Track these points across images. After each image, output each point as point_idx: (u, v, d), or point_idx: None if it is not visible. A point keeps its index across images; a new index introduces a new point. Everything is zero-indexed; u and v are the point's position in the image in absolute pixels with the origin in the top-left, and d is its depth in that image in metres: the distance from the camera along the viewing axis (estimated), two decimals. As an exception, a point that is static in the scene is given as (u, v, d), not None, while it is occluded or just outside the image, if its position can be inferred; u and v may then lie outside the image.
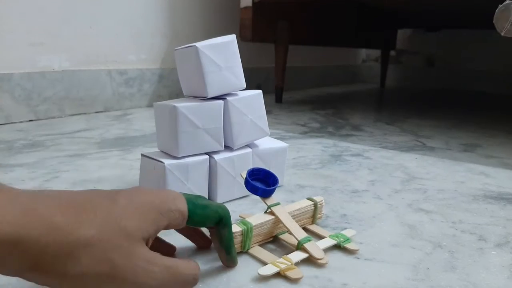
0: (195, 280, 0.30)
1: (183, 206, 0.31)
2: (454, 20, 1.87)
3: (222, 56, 0.49)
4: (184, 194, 0.33)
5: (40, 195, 0.26)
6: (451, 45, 2.24)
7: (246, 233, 0.38)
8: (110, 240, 0.26)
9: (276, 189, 0.56)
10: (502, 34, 0.37)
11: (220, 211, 0.34)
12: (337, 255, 0.39)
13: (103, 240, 0.26)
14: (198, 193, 0.49)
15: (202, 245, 0.40)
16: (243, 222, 0.39)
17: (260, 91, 0.54)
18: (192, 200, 0.33)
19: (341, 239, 0.41)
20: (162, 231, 0.30)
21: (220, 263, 0.37)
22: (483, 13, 1.56)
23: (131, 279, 0.27)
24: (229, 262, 0.36)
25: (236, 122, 0.51)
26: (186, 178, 0.47)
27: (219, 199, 0.51)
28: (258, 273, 0.35)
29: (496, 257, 0.40)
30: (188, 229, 0.38)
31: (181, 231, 0.38)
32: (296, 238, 0.39)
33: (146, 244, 0.29)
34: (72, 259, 0.25)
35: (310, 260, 0.38)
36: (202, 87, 0.48)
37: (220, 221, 0.34)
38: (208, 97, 0.49)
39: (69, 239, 0.25)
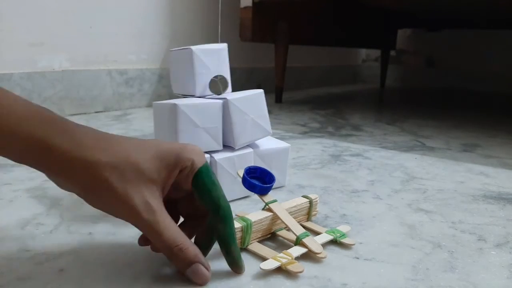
0: (170, 255, 0.32)
1: (198, 160, 0.33)
2: (454, 20, 1.87)
3: (214, 60, 0.53)
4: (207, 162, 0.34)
5: (84, 126, 0.33)
6: (451, 45, 2.24)
7: (246, 229, 0.38)
8: (121, 171, 0.31)
9: (277, 189, 0.56)
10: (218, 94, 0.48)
11: (222, 201, 0.33)
12: (337, 255, 0.40)
13: (115, 169, 0.31)
14: None
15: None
16: (242, 218, 0.39)
17: (261, 91, 0.54)
18: (208, 168, 0.34)
19: (337, 234, 0.42)
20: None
21: (220, 262, 0.37)
22: (483, 13, 1.56)
23: (123, 209, 0.31)
24: (233, 266, 0.35)
25: (237, 121, 0.51)
26: None
27: None
28: (260, 268, 0.35)
29: (496, 257, 0.40)
30: (188, 207, 0.37)
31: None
32: (295, 234, 0.39)
33: (163, 189, 0.33)
34: (88, 174, 0.31)
35: (309, 256, 0.38)
36: (192, 86, 0.52)
37: (217, 210, 0.33)
38: (196, 95, 0.52)
39: (91, 159, 0.30)
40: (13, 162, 0.64)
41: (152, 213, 0.31)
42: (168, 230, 0.31)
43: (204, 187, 0.33)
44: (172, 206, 0.36)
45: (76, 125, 0.32)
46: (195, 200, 0.36)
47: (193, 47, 0.51)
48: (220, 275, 0.35)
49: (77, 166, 0.30)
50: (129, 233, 0.41)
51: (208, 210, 0.34)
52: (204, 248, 0.35)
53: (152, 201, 0.31)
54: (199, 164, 0.33)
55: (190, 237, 0.35)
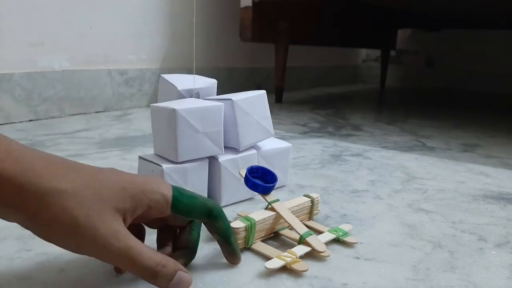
0: (154, 275, 0.29)
1: (167, 191, 0.32)
2: (454, 20, 1.87)
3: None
4: (172, 184, 0.33)
5: (32, 148, 0.29)
6: (451, 45, 2.24)
7: (250, 229, 0.39)
8: (81, 199, 0.28)
9: (278, 189, 0.56)
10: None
11: (209, 203, 0.34)
12: (338, 255, 0.40)
13: (75, 197, 0.28)
14: None
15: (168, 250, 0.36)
16: (246, 218, 0.39)
17: (264, 91, 0.54)
18: (178, 189, 0.33)
19: (340, 233, 0.42)
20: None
21: (220, 262, 0.37)
22: (483, 13, 1.56)
23: (89, 242, 0.28)
24: (231, 256, 0.36)
25: (242, 122, 0.50)
26: (185, 182, 0.46)
27: (224, 201, 0.50)
28: (265, 267, 0.35)
29: (496, 257, 0.40)
30: (161, 223, 0.36)
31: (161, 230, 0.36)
32: (298, 233, 0.40)
33: (124, 220, 0.29)
34: (43, 204, 0.27)
35: (311, 255, 0.38)
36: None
37: (210, 213, 0.33)
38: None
39: (45, 186, 0.27)
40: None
41: (123, 240, 0.28)
42: (144, 253, 0.29)
43: (187, 207, 0.32)
44: (136, 228, 0.35)
45: (27, 149, 0.28)
46: (169, 221, 0.35)
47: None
48: (220, 275, 0.35)
49: (27, 194, 0.27)
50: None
51: (199, 219, 0.34)
52: (192, 252, 0.35)
53: (118, 226, 0.29)
54: (169, 193, 0.32)
55: (175, 245, 0.36)
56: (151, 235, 0.37)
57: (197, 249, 0.36)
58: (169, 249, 0.35)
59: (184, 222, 0.35)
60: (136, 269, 0.29)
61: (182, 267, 0.31)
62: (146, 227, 0.37)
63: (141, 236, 0.36)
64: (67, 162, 0.30)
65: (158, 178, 0.33)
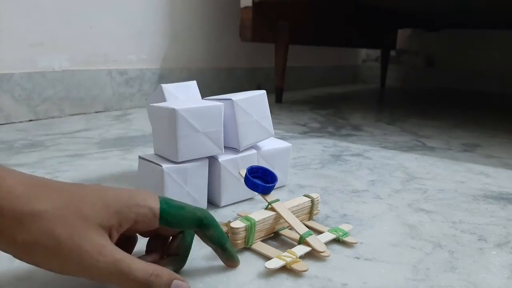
0: (148, 287, 0.28)
1: (154, 204, 0.31)
2: (454, 20, 1.87)
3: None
4: (159, 196, 0.33)
5: (14, 171, 0.29)
6: (451, 45, 2.24)
7: (250, 229, 0.39)
8: (63, 219, 0.27)
9: (278, 189, 0.56)
10: None
11: (199, 213, 0.33)
12: (338, 255, 0.39)
13: (56, 217, 0.27)
14: (197, 196, 0.48)
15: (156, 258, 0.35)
16: (246, 218, 0.39)
17: (264, 91, 0.54)
18: (166, 200, 0.32)
19: (340, 233, 0.42)
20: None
21: (220, 262, 0.37)
22: (483, 13, 1.56)
23: (74, 260, 0.27)
24: (229, 260, 0.36)
25: (242, 123, 0.50)
26: (185, 182, 0.46)
27: (224, 201, 0.50)
28: (265, 267, 0.35)
29: (496, 257, 0.40)
30: (152, 233, 0.35)
31: (152, 240, 0.35)
32: (298, 233, 0.40)
33: (110, 236, 0.29)
34: (22, 227, 0.26)
35: (311, 255, 0.38)
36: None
37: (201, 223, 0.33)
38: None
39: (24, 208, 0.27)
40: (14, 162, 0.64)
41: (110, 254, 0.28)
42: (134, 264, 0.28)
43: (176, 218, 0.32)
44: (126, 239, 0.34)
45: (6, 170, 0.28)
46: (159, 231, 0.35)
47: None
48: (220, 275, 0.35)
49: (7, 218, 0.26)
50: (129, 233, 0.41)
51: (190, 229, 0.34)
52: (182, 260, 0.35)
53: (105, 242, 0.28)
54: (156, 205, 0.31)
55: (165, 252, 0.35)
56: (142, 241, 0.37)
57: (187, 257, 0.35)
58: (156, 255, 0.34)
59: (175, 232, 0.35)
60: (128, 283, 0.28)
61: (177, 275, 0.30)
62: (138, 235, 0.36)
63: (131, 244, 0.35)
64: (49, 183, 0.29)
65: (145, 191, 0.32)
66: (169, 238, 0.36)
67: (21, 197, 0.27)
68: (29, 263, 0.28)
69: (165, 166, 0.45)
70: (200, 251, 0.39)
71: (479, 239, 0.44)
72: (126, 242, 0.34)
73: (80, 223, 0.28)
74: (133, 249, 0.36)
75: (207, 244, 0.35)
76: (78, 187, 0.30)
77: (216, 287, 0.34)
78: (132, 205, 0.30)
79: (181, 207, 0.33)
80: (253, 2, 1.26)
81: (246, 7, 1.27)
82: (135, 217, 0.30)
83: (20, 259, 0.28)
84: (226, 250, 0.35)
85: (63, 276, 0.34)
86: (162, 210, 0.31)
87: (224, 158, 0.49)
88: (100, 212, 0.29)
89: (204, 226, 0.33)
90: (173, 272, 0.31)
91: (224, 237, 0.35)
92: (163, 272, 0.30)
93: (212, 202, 0.51)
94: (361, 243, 0.42)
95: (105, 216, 0.29)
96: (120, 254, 0.28)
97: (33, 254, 0.27)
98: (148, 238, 0.36)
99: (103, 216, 0.29)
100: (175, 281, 0.30)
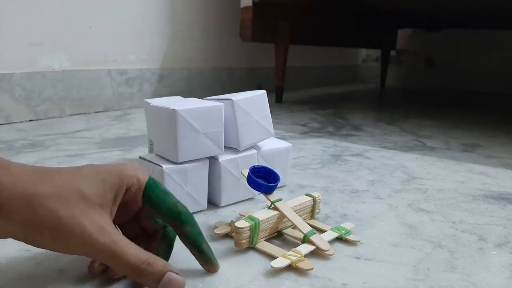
0: (139, 273, 0.29)
1: (143, 177, 0.33)
2: (454, 20, 1.87)
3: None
4: (151, 176, 0.34)
5: (15, 162, 0.30)
6: (451, 45, 2.24)
7: (254, 228, 0.39)
8: (66, 199, 0.29)
9: (278, 189, 0.56)
10: None
11: (180, 206, 0.33)
12: (338, 255, 0.40)
13: (59, 198, 0.29)
14: (197, 197, 0.48)
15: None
16: (250, 217, 0.39)
17: (264, 91, 0.54)
18: (155, 180, 0.34)
19: (342, 231, 0.42)
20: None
21: (220, 262, 0.37)
22: (483, 13, 1.56)
23: (75, 239, 0.29)
24: (206, 264, 0.35)
25: (242, 123, 0.50)
26: (185, 182, 0.46)
27: (224, 201, 0.50)
28: (271, 266, 0.35)
29: (496, 257, 0.40)
30: (136, 227, 0.36)
31: (129, 228, 0.36)
32: (302, 232, 0.40)
33: (110, 212, 0.31)
34: (30, 209, 0.28)
35: (313, 254, 0.38)
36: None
37: (178, 216, 0.33)
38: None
39: (32, 191, 0.28)
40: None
41: (108, 235, 0.29)
42: (130, 249, 0.29)
43: (158, 198, 0.33)
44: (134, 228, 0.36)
45: (8, 161, 0.30)
46: (141, 221, 0.35)
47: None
48: (220, 275, 0.35)
49: (17, 203, 0.28)
50: (129, 233, 0.41)
51: (166, 220, 0.34)
52: (200, 251, 0.35)
53: (104, 223, 0.29)
54: (144, 178, 0.33)
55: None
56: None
57: (167, 259, 0.35)
58: None
59: (157, 224, 0.35)
60: (121, 266, 0.29)
61: (173, 268, 0.30)
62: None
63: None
64: (48, 169, 0.31)
65: (137, 165, 0.34)
66: (151, 239, 0.36)
67: (27, 182, 0.29)
68: (36, 244, 0.29)
69: (165, 166, 0.45)
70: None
71: (479, 239, 0.44)
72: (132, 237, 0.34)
73: (81, 203, 0.29)
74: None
75: (184, 244, 0.34)
76: (75, 169, 0.32)
77: (216, 287, 0.34)
78: (123, 175, 0.32)
79: (166, 192, 0.34)
80: (253, 2, 1.26)
81: (246, 7, 1.27)
82: (126, 186, 0.32)
83: (27, 242, 0.29)
84: (203, 252, 0.34)
85: (63, 277, 0.34)
86: (148, 185, 0.33)
87: (224, 158, 0.49)
88: (97, 189, 0.30)
89: (180, 221, 0.33)
90: (169, 264, 0.31)
91: (200, 238, 0.34)
92: (157, 261, 0.30)
93: (212, 202, 0.51)
94: (361, 243, 0.42)
95: (102, 192, 0.30)
96: (117, 236, 0.29)
97: (41, 235, 0.28)
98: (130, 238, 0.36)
99: (100, 193, 0.30)
100: (168, 273, 0.30)
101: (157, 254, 0.33)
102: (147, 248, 0.34)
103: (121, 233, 0.30)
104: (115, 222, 0.33)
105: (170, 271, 0.30)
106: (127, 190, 0.32)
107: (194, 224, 0.34)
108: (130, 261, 0.29)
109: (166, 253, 0.35)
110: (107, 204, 0.30)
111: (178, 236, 0.34)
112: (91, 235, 0.28)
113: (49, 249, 0.30)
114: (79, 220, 0.28)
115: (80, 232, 0.28)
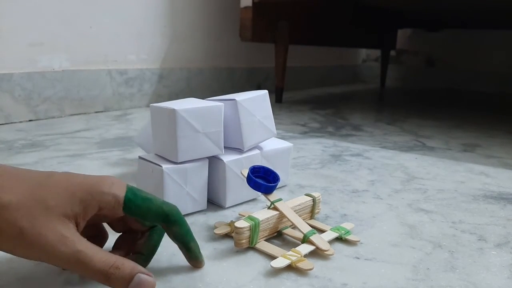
0: (107, 278, 0.29)
1: (119, 192, 0.31)
2: (454, 20, 1.87)
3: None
4: (128, 184, 0.33)
5: None
6: (451, 45, 2.24)
7: (254, 228, 0.39)
8: (27, 210, 0.28)
9: (278, 189, 0.56)
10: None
11: (166, 207, 0.33)
12: (338, 255, 0.39)
13: (21, 208, 0.28)
14: (197, 197, 0.48)
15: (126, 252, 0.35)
16: (250, 217, 0.39)
17: (266, 91, 0.53)
18: (133, 190, 0.32)
19: (342, 231, 0.42)
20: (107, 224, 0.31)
21: (220, 262, 0.37)
22: (483, 13, 1.56)
23: (37, 249, 0.28)
24: (193, 260, 0.35)
25: (245, 123, 0.50)
26: (185, 182, 0.46)
27: (229, 202, 0.50)
28: (271, 266, 0.35)
29: (496, 257, 0.40)
30: (124, 226, 0.36)
31: (118, 226, 0.36)
32: (302, 232, 0.40)
33: (76, 224, 0.30)
34: None
35: (313, 254, 0.38)
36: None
37: (166, 218, 0.33)
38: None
39: None
40: (14, 162, 0.64)
41: (70, 244, 0.28)
42: (95, 255, 0.29)
43: (140, 209, 0.32)
44: (96, 229, 0.36)
45: None
46: (128, 223, 0.35)
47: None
48: (220, 275, 0.35)
49: None
50: (129, 233, 0.41)
51: (155, 223, 0.34)
52: (145, 259, 0.35)
53: (67, 233, 0.29)
54: (121, 194, 0.31)
55: (131, 250, 0.35)
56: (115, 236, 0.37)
57: (152, 256, 0.35)
58: (121, 253, 0.34)
59: (145, 226, 0.35)
60: (88, 272, 0.29)
61: (143, 269, 0.30)
62: (110, 230, 0.36)
63: (101, 237, 0.36)
64: (16, 172, 0.30)
65: (113, 178, 0.32)
66: (138, 236, 0.36)
67: None
68: (2, 250, 0.29)
69: (165, 166, 0.45)
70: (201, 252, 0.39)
71: (479, 239, 0.44)
72: (95, 237, 0.34)
73: (43, 214, 0.28)
74: (104, 242, 0.36)
75: (173, 241, 0.34)
76: (47, 177, 0.31)
77: (216, 287, 0.34)
78: (96, 193, 0.30)
79: (148, 199, 0.32)
80: (253, 2, 1.26)
81: (246, 7, 1.27)
82: (98, 204, 0.31)
83: None
84: (190, 249, 0.35)
85: (63, 277, 0.34)
86: (127, 199, 0.31)
87: (229, 158, 0.49)
88: (64, 201, 0.29)
89: (169, 222, 0.33)
90: (138, 265, 0.30)
91: (189, 236, 0.34)
92: (125, 264, 0.29)
93: (217, 203, 0.51)
94: (361, 243, 0.42)
95: (69, 205, 0.29)
96: (82, 244, 0.29)
97: (3, 244, 0.28)
98: (119, 234, 0.36)
99: (67, 205, 0.29)
100: (138, 275, 0.29)
101: (142, 249, 0.34)
102: (132, 243, 0.35)
103: (86, 240, 0.29)
104: (97, 221, 0.34)
105: (140, 272, 0.30)
106: (102, 208, 0.31)
107: (183, 223, 0.34)
108: (97, 267, 0.29)
109: (151, 252, 0.35)
110: (73, 216, 0.30)
111: (167, 234, 0.34)
112: (53, 245, 0.28)
113: (17, 256, 0.29)
114: (40, 231, 0.28)
115: (41, 243, 0.28)
